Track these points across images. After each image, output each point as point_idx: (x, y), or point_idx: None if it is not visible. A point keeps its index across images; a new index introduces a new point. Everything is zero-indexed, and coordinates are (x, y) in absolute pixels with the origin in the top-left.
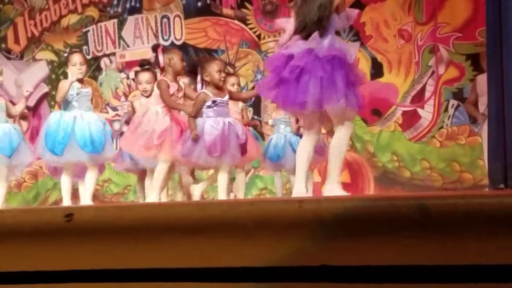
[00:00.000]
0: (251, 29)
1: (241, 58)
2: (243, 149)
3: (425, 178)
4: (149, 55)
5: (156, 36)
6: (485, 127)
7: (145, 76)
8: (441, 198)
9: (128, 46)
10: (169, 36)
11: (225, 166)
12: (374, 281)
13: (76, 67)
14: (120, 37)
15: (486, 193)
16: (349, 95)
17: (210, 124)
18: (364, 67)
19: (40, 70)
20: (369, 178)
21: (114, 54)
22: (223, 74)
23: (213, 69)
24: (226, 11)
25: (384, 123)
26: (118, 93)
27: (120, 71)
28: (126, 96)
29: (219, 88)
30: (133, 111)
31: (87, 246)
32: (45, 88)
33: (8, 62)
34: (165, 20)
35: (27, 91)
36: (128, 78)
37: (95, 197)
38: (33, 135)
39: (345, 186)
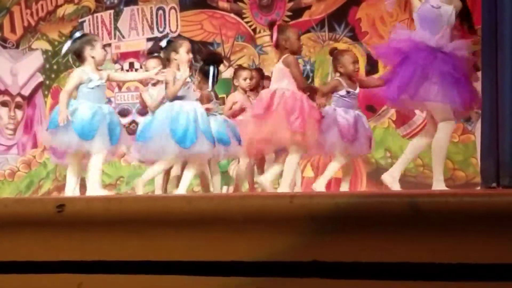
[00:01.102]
0: (247, 22)
1: (237, 51)
2: (369, 142)
3: (418, 175)
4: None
5: (151, 28)
6: (478, 125)
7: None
8: (432, 196)
9: (123, 37)
10: (164, 28)
11: (354, 155)
12: (365, 278)
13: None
14: (116, 28)
15: (477, 191)
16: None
17: (341, 114)
18: (359, 63)
19: (35, 59)
20: (361, 174)
21: (109, 45)
22: (357, 66)
23: (348, 61)
24: (222, 4)
25: (378, 119)
26: (112, 84)
27: (115, 62)
28: (120, 87)
29: (351, 79)
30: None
31: (78, 237)
32: (40, 78)
33: (4, 51)
34: (160, 12)
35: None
36: (122, 69)
37: (85, 187)
38: (27, 124)
39: (337, 181)
